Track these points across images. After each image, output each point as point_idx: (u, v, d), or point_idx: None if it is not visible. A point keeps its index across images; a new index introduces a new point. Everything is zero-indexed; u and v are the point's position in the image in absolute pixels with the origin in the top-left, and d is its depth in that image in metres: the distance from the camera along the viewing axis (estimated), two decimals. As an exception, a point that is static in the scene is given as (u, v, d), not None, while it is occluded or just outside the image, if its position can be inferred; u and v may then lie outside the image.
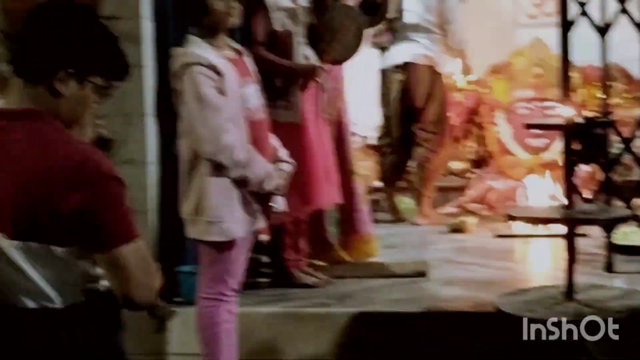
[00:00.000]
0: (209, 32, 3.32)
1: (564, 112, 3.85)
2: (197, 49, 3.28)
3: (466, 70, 6.82)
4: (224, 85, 3.23)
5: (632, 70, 6.72)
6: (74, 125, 2.14)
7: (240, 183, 3.25)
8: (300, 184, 4.04)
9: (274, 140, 3.51)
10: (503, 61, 7.09)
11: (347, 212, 4.81)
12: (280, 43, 4.15)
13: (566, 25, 4.39)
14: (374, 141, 6.69)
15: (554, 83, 6.80)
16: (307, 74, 4.18)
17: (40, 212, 1.89)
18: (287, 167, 3.46)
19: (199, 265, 3.43)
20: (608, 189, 4.44)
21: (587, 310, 3.37)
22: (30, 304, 1.94)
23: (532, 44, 6.94)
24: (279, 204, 3.47)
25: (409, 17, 6.15)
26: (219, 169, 3.22)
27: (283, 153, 3.49)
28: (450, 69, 6.67)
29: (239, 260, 3.37)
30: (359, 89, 5.85)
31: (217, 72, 3.21)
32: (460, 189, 6.74)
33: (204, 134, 3.18)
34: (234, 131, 3.23)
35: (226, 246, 3.28)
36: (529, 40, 6.99)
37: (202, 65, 3.20)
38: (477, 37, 6.97)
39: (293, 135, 4.01)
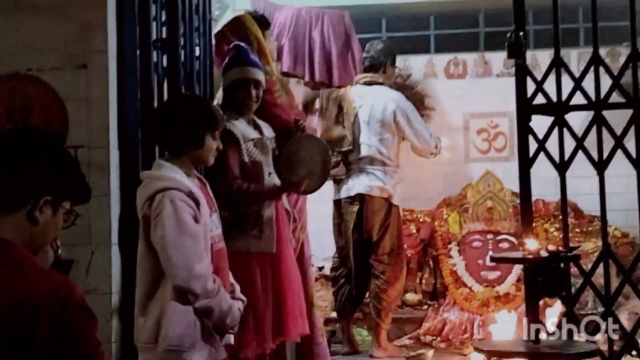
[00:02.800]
0: (183, 160, 3.33)
1: (529, 246, 3.92)
2: (173, 173, 3.27)
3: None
4: (199, 212, 3.22)
5: (581, 205, 6.90)
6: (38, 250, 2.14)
7: (203, 313, 3.19)
8: (275, 314, 4.03)
9: (231, 278, 3.49)
10: (456, 194, 7.21)
11: (306, 345, 4.77)
12: (250, 174, 4.18)
13: (526, 162, 4.52)
14: (329, 272, 6.67)
15: (505, 216, 6.96)
16: (290, 189, 4.21)
17: (9, 345, 1.85)
18: (241, 304, 3.42)
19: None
20: (571, 323, 4.47)
21: None
22: None
23: (483, 178, 7.08)
24: (230, 339, 3.42)
25: (364, 150, 6.26)
26: (183, 296, 3.16)
27: (237, 289, 3.47)
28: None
29: None
30: (314, 220, 5.88)
31: (195, 200, 3.20)
32: (415, 321, 6.74)
33: (179, 261, 3.13)
34: (206, 260, 3.20)
35: None
36: (481, 174, 7.12)
37: (181, 191, 3.19)
38: (430, 171, 7.12)
39: (267, 265, 4.02)
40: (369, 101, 6.32)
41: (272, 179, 4.26)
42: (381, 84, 6.40)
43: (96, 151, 4.07)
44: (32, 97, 4.08)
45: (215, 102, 4.44)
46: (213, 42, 5.08)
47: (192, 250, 3.14)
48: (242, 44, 4.57)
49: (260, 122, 4.38)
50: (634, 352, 4.57)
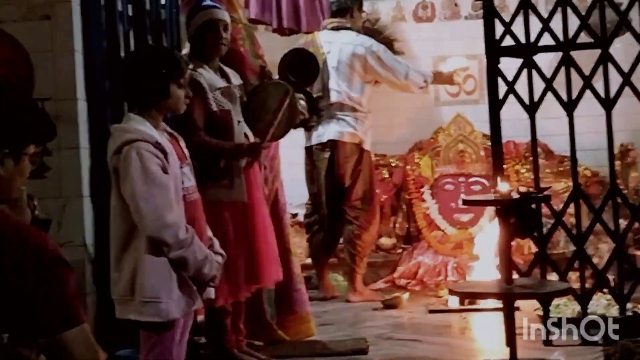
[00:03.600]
0: (152, 112, 3.30)
1: (501, 188, 3.94)
2: (141, 125, 3.24)
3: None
4: (168, 163, 3.20)
5: (552, 146, 6.94)
6: (13, 206, 2.13)
7: (178, 265, 3.19)
8: (249, 262, 4.04)
9: (208, 231, 3.48)
10: (427, 138, 7.22)
11: (285, 292, 4.78)
12: (220, 123, 4.15)
13: (496, 104, 4.53)
14: (302, 219, 6.69)
15: (476, 158, 6.99)
16: (251, 152, 4.18)
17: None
18: (221, 259, 3.42)
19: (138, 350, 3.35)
20: (543, 263, 4.53)
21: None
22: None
23: (454, 121, 7.09)
24: (211, 293, 3.42)
25: (333, 96, 6.24)
26: (157, 248, 3.15)
27: (216, 244, 3.46)
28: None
29: (179, 342, 3.29)
30: (286, 168, 5.88)
31: (162, 150, 3.19)
32: (390, 265, 6.79)
33: (149, 211, 3.11)
34: (177, 210, 3.20)
35: (164, 327, 3.18)
36: (451, 117, 7.13)
37: (148, 142, 3.16)
38: (401, 116, 7.12)
39: (239, 214, 4.02)
40: (337, 46, 6.28)
41: (242, 127, 4.23)
42: (349, 28, 6.36)
43: (63, 103, 4.04)
44: (-3, 50, 4.03)
45: (183, 52, 4.39)
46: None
47: (161, 200, 3.13)
48: None
49: (228, 70, 4.34)
50: (605, 290, 4.64)
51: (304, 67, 4.69)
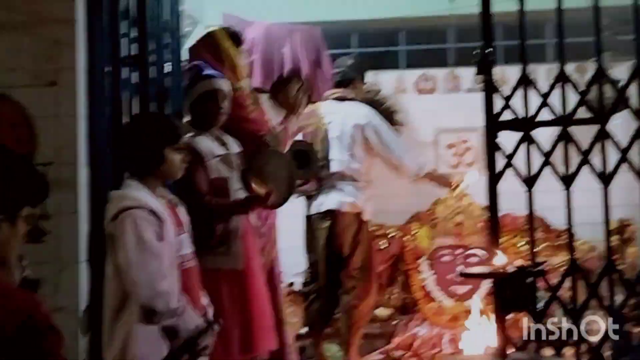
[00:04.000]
0: (149, 179, 3.32)
1: (497, 261, 3.95)
2: (137, 192, 3.27)
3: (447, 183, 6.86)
4: (163, 231, 3.21)
5: (550, 220, 6.95)
6: (3, 267, 2.13)
7: (169, 334, 3.17)
8: (244, 331, 4.04)
9: (204, 299, 3.48)
10: (425, 209, 7.24)
11: (277, 362, 4.76)
12: (217, 190, 4.18)
13: (494, 177, 4.56)
14: (299, 288, 6.68)
15: (474, 231, 6.99)
16: (260, 200, 4.21)
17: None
18: (216, 327, 3.41)
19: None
20: (538, 338, 4.50)
21: None
22: None
23: (452, 192, 7.10)
24: None
25: (335, 166, 6.28)
26: (149, 316, 3.14)
27: (211, 313, 3.46)
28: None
29: None
30: (285, 236, 5.89)
31: (158, 217, 3.20)
32: (385, 336, 6.75)
33: (141, 279, 3.11)
34: (170, 279, 3.20)
35: None
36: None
37: (143, 209, 3.18)
38: (400, 186, 7.14)
39: (235, 282, 4.02)
40: (340, 117, 6.33)
41: (240, 195, 4.26)
42: (352, 99, 6.43)
43: (65, 168, 4.08)
44: (1, 115, 4.07)
45: (185, 120, 4.44)
46: (184, 58, 5.08)
47: (154, 268, 3.13)
48: (197, 63, 4.57)
49: (226, 138, 4.39)
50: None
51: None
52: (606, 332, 4.59)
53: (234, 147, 4.42)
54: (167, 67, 4.89)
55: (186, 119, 4.48)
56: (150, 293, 3.11)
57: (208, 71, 4.41)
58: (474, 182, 6.68)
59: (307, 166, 5.25)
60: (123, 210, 3.20)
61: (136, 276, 3.12)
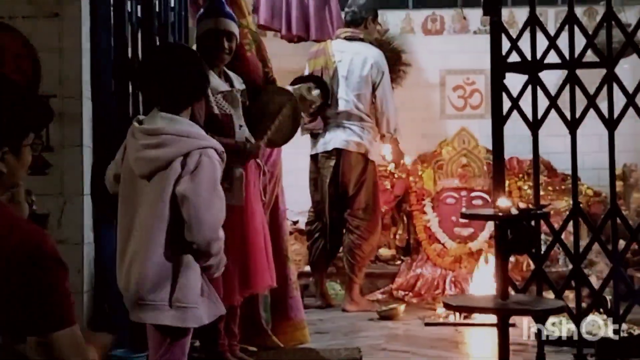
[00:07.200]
0: (186, 113, 3.28)
1: (500, 203, 3.94)
2: (200, 130, 3.24)
3: (398, 156, 6.87)
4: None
5: (555, 164, 6.94)
6: (12, 201, 2.14)
7: (203, 269, 3.18)
8: (241, 268, 4.06)
9: None
10: (431, 151, 7.23)
11: (280, 298, 4.79)
12: (221, 126, 4.16)
13: (500, 120, 4.53)
14: (303, 226, 6.70)
15: (479, 173, 6.99)
16: (251, 152, 4.21)
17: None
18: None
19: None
20: (539, 280, 4.53)
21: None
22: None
23: (458, 135, 7.10)
24: None
25: (341, 105, 6.25)
26: (201, 255, 3.11)
27: None
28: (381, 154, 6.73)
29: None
30: (290, 174, 5.90)
31: (222, 159, 3.19)
32: (388, 276, 6.79)
33: (209, 221, 3.05)
34: None
35: (185, 333, 3.17)
36: (456, 131, 7.14)
37: (216, 150, 3.16)
38: (405, 127, 7.12)
39: (235, 218, 4.01)
40: (349, 56, 6.30)
41: (243, 131, 4.25)
42: (362, 39, 6.38)
43: (68, 101, 4.06)
44: (4, 46, 4.05)
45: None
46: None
47: (220, 211, 3.10)
48: None
49: (231, 74, 4.36)
50: (601, 310, 4.63)
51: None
52: (607, 276, 4.61)
53: (238, 83, 4.39)
54: (172, 2, 4.85)
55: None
56: (212, 235, 3.06)
57: (222, 6, 4.35)
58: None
59: (320, 91, 5.22)
60: (199, 148, 3.12)
61: (204, 216, 3.06)
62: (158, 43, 4.70)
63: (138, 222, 3.13)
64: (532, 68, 4.54)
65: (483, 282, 6.02)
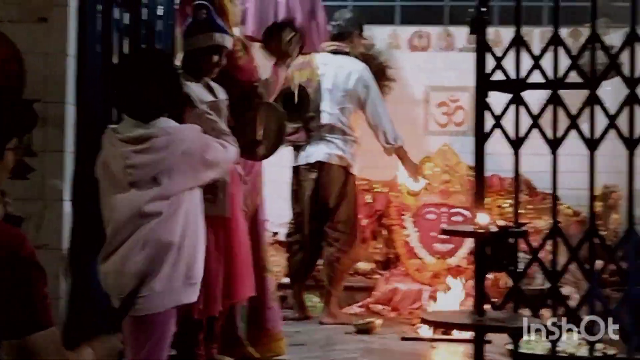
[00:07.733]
0: None
1: (480, 220, 3.96)
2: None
3: (415, 170, 6.83)
4: None
5: (536, 183, 6.98)
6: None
7: None
8: (225, 278, 4.07)
9: None
10: (413, 166, 7.23)
11: (258, 309, 4.80)
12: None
13: (482, 137, 4.55)
14: (283, 237, 6.70)
15: (460, 190, 7.02)
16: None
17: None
18: None
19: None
20: (516, 297, 4.54)
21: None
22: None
23: (441, 151, 7.13)
24: None
25: (325, 118, 6.27)
26: None
27: None
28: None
29: None
30: (271, 186, 5.91)
31: None
32: (366, 290, 6.79)
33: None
34: None
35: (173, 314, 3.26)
36: (439, 147, 7.17)
37: None
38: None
39: (220, 229, 4.03)
40: (333, 70, 6.33)
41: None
42: (347, 53, 6.41)
43: (52, 106, 4.06)
44: (-10, 49, 4.04)
45: (176, 63, 4.41)
46: (176, 1, 5.04)
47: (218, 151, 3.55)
48: (207, 3, 4.50)
49: (214, 85, 4.36)
50: (576, 329, 4.65)
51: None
52: (583, 295, 4.63)
53: (222, 94, 4.40)
54: (159, 10, 4.86)
55: (177, 62, 4.44)
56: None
57: (216, 21, 4.36)
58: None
59: (300, 109, 5.23)
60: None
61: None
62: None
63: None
64: (515, 87, 4.56)
65: (450, 299, 6.07)
